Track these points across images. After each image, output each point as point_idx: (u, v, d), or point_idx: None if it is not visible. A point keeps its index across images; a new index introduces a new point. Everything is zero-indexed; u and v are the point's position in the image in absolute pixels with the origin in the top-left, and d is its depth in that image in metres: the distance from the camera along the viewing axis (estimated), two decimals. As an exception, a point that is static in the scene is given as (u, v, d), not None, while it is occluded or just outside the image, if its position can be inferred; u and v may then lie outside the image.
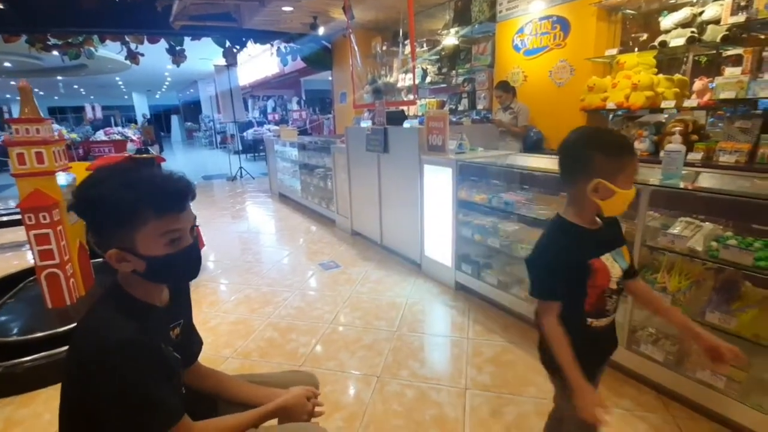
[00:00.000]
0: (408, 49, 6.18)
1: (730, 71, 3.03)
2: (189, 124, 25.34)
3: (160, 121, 27.09)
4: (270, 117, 15.64)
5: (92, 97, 23.91)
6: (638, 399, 1.93)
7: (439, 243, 3.19)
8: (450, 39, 5.46)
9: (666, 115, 3.65)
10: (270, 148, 7.32)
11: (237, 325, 2.80)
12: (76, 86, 19.88)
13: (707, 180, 1.95)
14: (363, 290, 3.24)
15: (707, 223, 1.84)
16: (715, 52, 3.39)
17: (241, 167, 9.48)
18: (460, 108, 5.44)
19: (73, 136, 10.91)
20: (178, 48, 7.98)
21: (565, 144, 1.19)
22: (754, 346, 1.65)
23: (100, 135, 10.74)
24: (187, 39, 7.70)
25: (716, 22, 3.07)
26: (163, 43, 7.69)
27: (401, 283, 3.32)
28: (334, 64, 8.43)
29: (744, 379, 1.68)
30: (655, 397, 1.93)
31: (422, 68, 6.08)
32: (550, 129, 4.32)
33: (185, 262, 0.97)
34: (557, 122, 4.25)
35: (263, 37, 7.83)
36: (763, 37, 3.13)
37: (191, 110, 25.41)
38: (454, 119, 5.75)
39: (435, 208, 3.17)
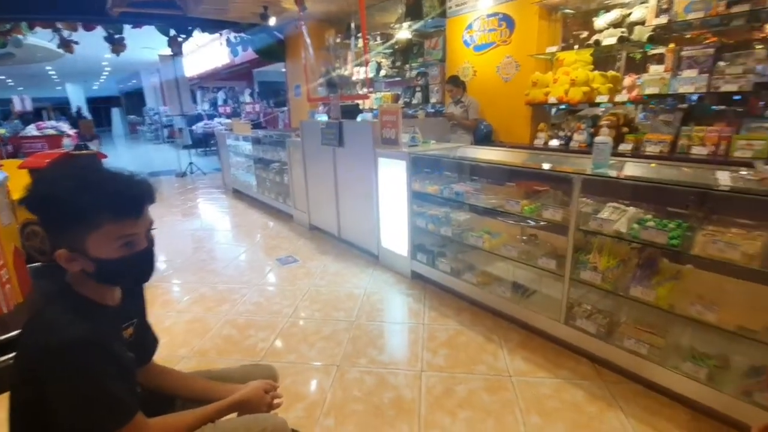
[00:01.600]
0: (361, 42, 6.21)
1: (654, 69, 3.33)
2: (132, 117, 23.79)
3: (99, 114, 25.21)
4: (221, 110, 15.04)
5: (21, 88, 21.81)
6: (575, 369, 2.12)
7: (395, 234, 3.28)
8: (403, 33, 5.53)
9: (603, 109, 3.94)
10: (222, 142, 7.09)
11: (193, 324, 2.74)
12: (2, 77, 18.06)
13: (631, 169, 2.16)
14: (322, 283, 3.27)
15: (631, 207, 2.05)
16: (642, 50, 3.70)
17: (191, 163, 9.10)
18: (414, 101, 5.55)
19: (1, 131, 9.93)
20: (116, 36, 7.48)
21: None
22: (670, 315, 1.88)
23: (32, 130, 9.84)
24: (127, 26, 7.23)
25: (642, 23, 3.35)
26: (100, 31, 7.18)
27: (359, 274, 3.39)
28: (287, 56, 8.26)
29: (663, 345, 1.90)
30: (590, 366, 2.13)
31: (376, 62, 6.11)
32: (499, 122, 4.52)
33: (138, 266, 0.97)
34: (505, 115, 4.46)
35: (210, 26, 7.51)
36: (688, 36, 3.45)
37: (134, 102, 23.83)
38: (410, 112, 5.87)
39: (390, 200, 3.25)
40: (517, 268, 2.63)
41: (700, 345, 1.89)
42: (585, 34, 4.04)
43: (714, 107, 3.37)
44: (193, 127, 12.71)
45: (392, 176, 3.16)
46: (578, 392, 1.96)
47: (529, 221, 2.59)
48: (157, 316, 2.84)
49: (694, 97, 3.38)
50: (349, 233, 3.94)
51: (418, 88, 5.49)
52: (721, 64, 2.99)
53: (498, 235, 2.66)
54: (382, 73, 6.06)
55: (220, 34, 8.12)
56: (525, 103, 4.14)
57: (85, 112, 19.52)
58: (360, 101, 5.25)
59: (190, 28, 7.49)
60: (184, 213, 5.88)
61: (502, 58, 4.40)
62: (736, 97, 3.15)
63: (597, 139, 2.09)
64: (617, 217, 1.98)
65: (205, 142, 12.70)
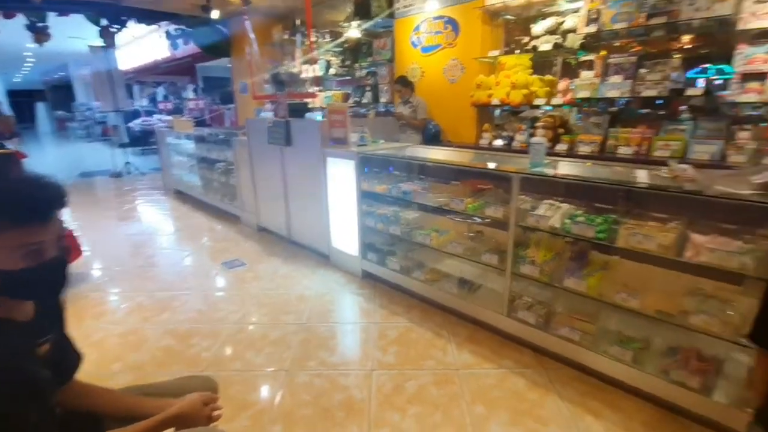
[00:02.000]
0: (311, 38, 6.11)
1: (585, 74, 3.57)
2: (60, 112, 21.74)
3: (21, 108, 22.78)
4: (161, 106, 14.16)
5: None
6: (518, 358, 2.23)
7: (345, 234, 3.26)
8: (352, 32, 5.51)
9: (542, 111, 4.16)
10: (162, 140, 6.68)
11: (127, 337, 2.56)
12: None
13: (565, 168, 2.30)
14: (270, 286, 3.18)
15: (565, 204, 2.18)
16: (575, 57, 3.95)
17: (127, 162, 8.50)
18: (365, 101, 5.55)
19: None
20: (39, 24, 6.79)
21: None
22: (600, 303, 2.02)
23: (-65, 125, 8.70)
24: (52, 14, 6.59)
25: (574, 31, 3.57)
26: (22, 18, 6.48)
27: (310, 275, 3.33)
28: (232, 52, 7.94)
29: (594, 332, 2.04)
30: (531, 355, 2.25)
31: (326, 60, 6.04)
32: (447, 122, 4.64)
33: (46, 277, 0.88)
34: (453, 116, 4.58)
35: (147, 16, 7.04)
36: (617, 44, 3.72)
37: (61, 96, 21.76)
38: (363, 111, 5.87)
39: (340, 199, 3.23)
40: (464, 264, 2.71)
41: (626, 329, 2.06)
42: (526, 39, 4.25)
43: (640, 111, 3.69)
44: (130, 124, 11.87)
45: (341, 176, 3.14)
46: (520, 381, 2.06)
47: (475, 218, 2.68)
48: (86, 329, 2.63)
49: (623, 101, 3.66)
50: (299, 234, 3.87)
51: (368, 88, 5.51)
52: (643, 71, 3.27)
53: (446, 232, 2.72)
54: (332, 71, 6.01)
55: (159, 26, 7.64)
56: (470, 105, 4.28)
57: (5, 107, 17.58)
58: (309, 100, 5.16)
59: (123, 18, 6.97)
60: (121, 216, 5.47)
61: (448, 60, 4.51)
62: (659, 102, 3.45)
63: (533, 139, 2.21)
64: (552, 213, 2.10)
65: (143, 141, 11.89)
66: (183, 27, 7.51)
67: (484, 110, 4.41)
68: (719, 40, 3.14)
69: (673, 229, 1.78)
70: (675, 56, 3.26)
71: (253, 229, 4.51)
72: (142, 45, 11.14)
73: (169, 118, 9.90)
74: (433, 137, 4.57)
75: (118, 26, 7.09)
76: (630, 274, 2.03)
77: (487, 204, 2.35)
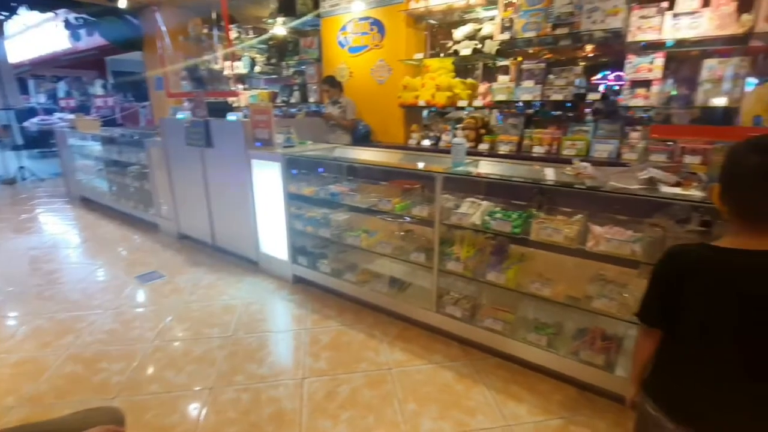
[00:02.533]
0: (233, 34, 5.81)
1: (502, 78, 3.80)
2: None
3: None
4: (63, 103, 12.64)
5: None
6: (446, 352, 2.30)
7: (274, 238, 3.14)
8: (278, 29, 5.33)
9: (466, 112, 4.34)
10: (64, 142, 5.95)
11: (23, 366, 2.24)
12: None
13: (484, 167, 2.42)
14: (192, 298, 2.96)
15: (485, 201, 2.29)
16: (494, 61, 4.18)
17: (22, 167, 7.46)
18: (293, 100, 5.41)
19: None
20: None
21: None
22: (517, 294, 2.15)
23: None
24: None
25: (491, 37, 3.78)
26: None
27: (237, 284, 3.16)
28: (145, 45, 7.30)
29: (513, 321, 2.17)
30: (459, 348, 2.33)
31: (250, 57, 5.79)
32: (376, 122, 4.67)
33: None
34: (381, 116, 4.63)
35: (41, 3, 6.24)
36: (531, 51, 3.99)
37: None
38: (294, 111, 5.70)
39: (267, 203, 3.10)
40: (395, 263, 2.74)
41: (542, 316, 2.21)
42: (449, 43, 4.42)
43: (553, 113, 4.00)
44: (25, 124, 10.43)
45: (268, 178, 3.02)
46: (449, 374, 2.12)
47: (405, 217, 2.72)
48: (-36, 363, 2.25)
49: (538, 104, 3.94)
50: (225, 240, 3.66)
51: (295, 87, 5.37)
52: (551, 76, 3.55)
53: (375, 233, 2.73)
54: (257, 69, 5.76)
55: (56, 14, 6.79)
56: (398, 105, 4.35)
57: None
58: (231, 98, 4.90)
59: (13, 4, 6.10)
60: (17, 228, 4.78)
61: (376, 61, 4.55)
62: (568, 105, 3.76)
63: (454, 140, 2.29)
64: (474, 211, 2.19)
65: (41, 142, 10.51)
66: (85, 16, 6.75)
67: (411, 111, 4.51)
68: (614, 50, 3.51)
69: (577, 221, 1.95)
70: (579, 64, 3.60)
71: (174, 237, 4.19)
72: (38, 35, 9.85)
73: (72, 116, 8.86)
74: (363, 138, 4.58)
75: (7, 13, 6.19)
76: (544, 264, 2.19)
77: (413, 204, 2.40)
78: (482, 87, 3.99)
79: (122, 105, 10.59)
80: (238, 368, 2.20)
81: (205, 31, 5.90)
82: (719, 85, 2.81)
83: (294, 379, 2.10)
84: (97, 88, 12.91)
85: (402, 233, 2.78)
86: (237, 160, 3.17)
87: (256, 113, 2.97)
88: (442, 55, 4.30)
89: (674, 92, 3.04)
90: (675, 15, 2.85)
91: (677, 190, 1.70)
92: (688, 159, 2.82)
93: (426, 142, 4.22)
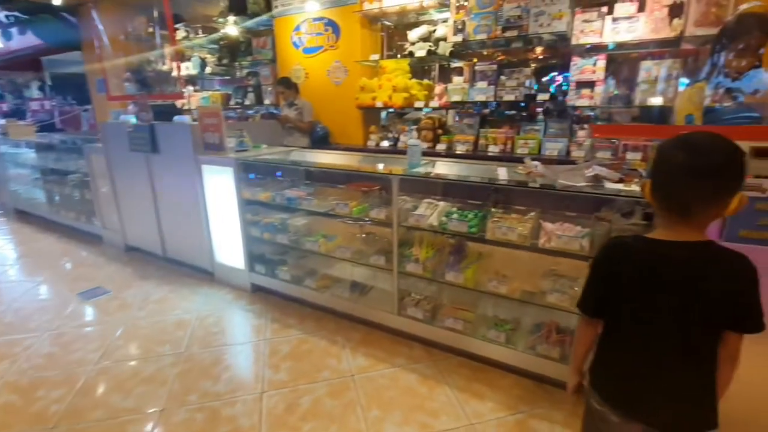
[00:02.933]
0: (180, 34, 5.55)
1: (456, 79, 3.86)
2: None
3: None
4: (-7, 107, 11.59)
5: None
6: (409, 354, 2.29)
7: (230, 246, 3.01)
8: (230, 28, 5.14)
9: (424, 113, 4.37)
10: (-9, 150, 5.44)
11: (-60, 403, 2.01)
12: None
13: (440, 168, 2.43)
14: (141, 315, 2.79)
15: (442, 202, 2.30)
16: (448, 63, 4.24)
17: (-56, 178, 6.74)
18: (247, 102, 5.24)
19: None
20: None
21: None
22: (476, 293, 2.18)
23: None
24: None
25: (445, 39, 3.82)
26: None
27: (190, 296, 3.01)
28: (84, 45, 6.83)
29: (473, 319, 2.19)
30: (422, 349, 2.33)
31: (200, 57, 5.55)
32: (334, 124, 4.61)
33: None
34: (339, 118, 4.57)
35: (-41, -3, 5.68)
36: (486, 53, 4.08)
37: None
38: (251, 113, 5.50)
39: (221, 210, 2.97)
40: (355, 267, 2.71)
41: (500, 313, 2.26)
42: (407, 44, 4.43)
43: (507, 112, 4.11)
44: (-53, 130, 9.46)
45: (220, 184, 2.89)
46: (412, 376, 2.12)
47: (367, 220, 2.69)
48: None
49: (495, 104, 4.03)
50: (177, 251, 3.47)
51: (250, 89, 5.20)
52: (503, 78, 3.64)
53: (335, 237, 2.68)
54: (208, 70, 5.53)
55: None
56: (356, 107, 4.31)
57: None
58: (180, 101, 4.68)
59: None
60: (-68, 248, 4.31)
61: (332, 62, 4.49)
62: (522, 104, 3.87)
63: (409, 142, 2.29)
64: (431, 212, 2.20)
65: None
66: (17, 14, 6.22)
67: (369, 112, 4.48)
68: (562, 52, 3.66)
69: (530, 219, 2.00)
70: (531, 65, 3.72)
71: (120, 249, 3.93)
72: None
73: (3, 122, 8.13)
74: (321, 140, 4.50)
75: None
76: (501, 261, 2.23)
77: (371, 206, 2.37)
78: (438, 88, 4.04)
79: (62, 108, 9.85)
80: (191, 387, 2.08)
81: (150, 30, 5.62)
82: (655, 86, 2.99)
83: (252, 393, 2.02)
84: (33, 91, 11.95)
85: (363, 235, 2.75)
86: (186, 166, 3.02)
87: (205, 116, 2.84)
88: (399, 56, 4.31)
89: (616, 92, 3.21)
90: (614, 19, 3.00)
91: (620, 186, 1.78)
92: (630, 155, 2.98)
93: (385, 143, 4.21)
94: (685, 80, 2.92)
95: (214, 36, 5.32)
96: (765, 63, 1.94)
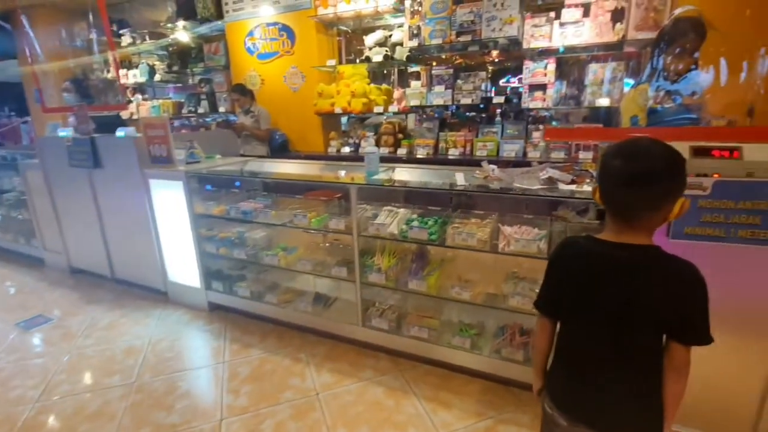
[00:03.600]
0: (126, 40, 5.27)
1: (414, 84, 3.86)
2: None
3: None
4: None
5: None
6: (376, 366, 2.24)
7: (184, 264, 2.85)
8: (179, 34, 4.92)
9: (385, 117, 4.34)
10: None
11: None
12: None
13: (399, 174, 2.40)
14: (88, 343, 2.58)
15: (402, 209, 2.27)
16: (405, 67, 4.24)
17: None
18: (201, 110, 5.03)
19: None
20: None
21: None
22: (439, 300, 2.16)
23: None
24: None
25: (401, 44, 3.82)
26: None
27: (143, 320, 2.82)
28: (20, 53, 6.34)
29: (438, 326, 2.17)
30: (389, 360, 2.29)
31: (148, 64, 5.28)
32: (294, 131, 4.51)
33: None
34: (299, 125, 4.47)
35: None
36: (445, 57, 4.09)
37: None
38: (209, 121, 5.27)
39: (173, 226, 2.81)
40: (318, 278, 2.63)
41: (466, 317, 2.25)
42: (363, 49, 4.39)
43: (468, 114, 4.15)
44: None
45: (170, 199, 2.73)
46: (379, 389, 2.06)
47: (327, 231, 2.62)
48: None
49: (455, 107, 4.05)
50: (127, 271, 3.26)
51: (203, 96, 4.99)
52: (459, 81, 3.68)
53: (295, 249, 2.60)
54: (157, 77, 5.28)
55: None
56: (314, 113, 4.23)
57: None
58: (127, 111, 4.42)
59: None
60: None
61: (288, 67, 4.38)
62: (482, 107, 3.91)
63: (366, 149, 2.25)
64: (391, 220, 2.16)
65: None
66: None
67: (329, 118, 4.41)
68: (515, 56, 3.74)
69: (489, 223, 2.00)
70: (488, 68, 3.78)
71: (64, 272, 3.65)
72: None
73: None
74: (280, 148, 4.39)
75: None
76: (463, 267, 2.22)
77: (331, 216, 2.31)
78: (397, 92, 4.03)
79: (-2, 121, 9.10)
80: (143, 419, 1.94)
81: (93, 36, 5.30)
82: (602, 87, 3.11)
83: (210, 422, 1.90)
84: (-36, 102, 10.97)
85: (327, 245, 2.67)
86: (132, 181, 2.83)
87: (149, 128, 2.67)
88: (358, 60, 4.27)
89: (566, 93, 3.31)
90: (561, 24, 3.10)
91: (573, 188, 1.82)
92: (583, 155, 3.09)
93: (346, 149, 4.15)
94: (630, 81, 3.05)
95: (163, 42, 5.08)
96: (703, 65, 2.04)
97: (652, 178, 0.87)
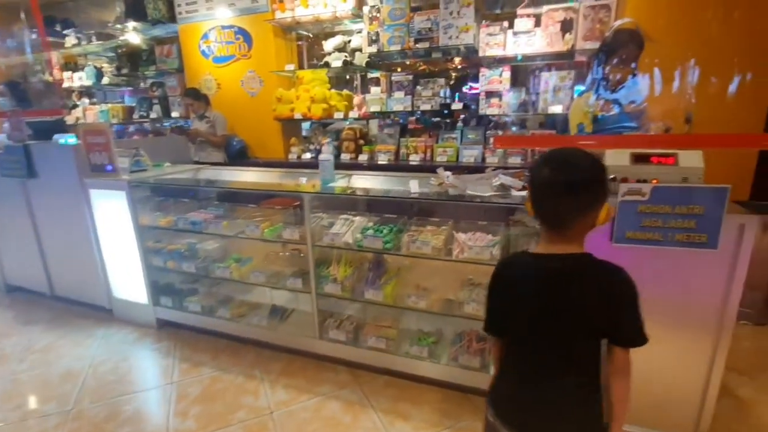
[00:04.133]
0: (70, 40, 4.98)
1: (374, 90, 3.84)
2: None
3: None
4: None
5: None
6: (335, 380, 2.18)
7: (130, 279, 2.68)
8: (129, 35, 4.69)
9: (347, 123, 4.29)
10: None
11: None
12: None
13: (357, 181, 2.37)
14: (22, 368, 2.37)
15: (358, 217, 2.23)
16: (365, 73, 4.22)
17: None
18: (153, 115, 4.80)
19: None
20: None
21: None
22: (396, 309, 2.13)
23: None
24: None
25: (361, 50, 3.79)
26: None
27: (84, 341, 2.62)
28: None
29: (396, 336, 2.14)
30: (347, 373, 2.23)
31: (95, 66, 5.00)
32: (253, 137, 4.38)
33: None
34: (257, 130, 4.35)
35: None
36: (409, 63, 4.09)
37: None
38: (167, 125, 5.02)
39: (117, 238, 2.64)
40: (276, 290, 2.54)
41: (424, 326, 2.23)
42: (323, 54, 4.33)
43: (434, 120, 4.16)
44: None
45: (113, 210, 2.56)
46: (336, 404, 2.00)
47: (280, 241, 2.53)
48: None
49: (419, 113, 4.05)
50: (67, 288, 3.03)
51: (155, 101, 4.77)
52: (419, 88, 3.69)
53: (249, 260, 2.50)
54: (105, 80, 5.00)
55: None
56: (273, 119, 4.13)
57: None
58: (72, 116, 4.15)
59: None
60: None
61: (245, 72, 4.26)
62: (446, 112, 3.92)
63: (321, 157, 2.19)
64: (346, 229, 2.12)
65: None
66: None
67: (289, 124, 4.32)
68: (474, 63, 3.80)
69: (444, 231, 2.00)
70: (451, 75, 3.81)
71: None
72: None
73: None
74: (238, 154, 4.25)
75: None
76: (420, 274, 2.21)
77: (285, 226, 2.24)
78: (358, 98, 4.00)
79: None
80: (78, 451, 1.79)
81: (35, 36, 4.96)
82: (555, 95, 3.20)
83: (154, 449, 1.78)
84: None
85: (287, 254, 2.58)
86: (71, 192, 2.64)
87: (89, 135, 2.50)
88: (320, 65, 4.20)
89: (525, 100, 3.38)
90: (515, 33, 3.17)
91: (524, 193, 1.84)
92: (538, 161, 3.16)
93: (307, 156, 4.07)
94: (581, 88, 3.16)
95: (111, 43, 4.83)
96: (641, 74, 2.13)
97: (579, 185, 0.89)
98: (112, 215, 2.58)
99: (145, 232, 2.57)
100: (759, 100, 2.52)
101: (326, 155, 2.18)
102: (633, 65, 1.95)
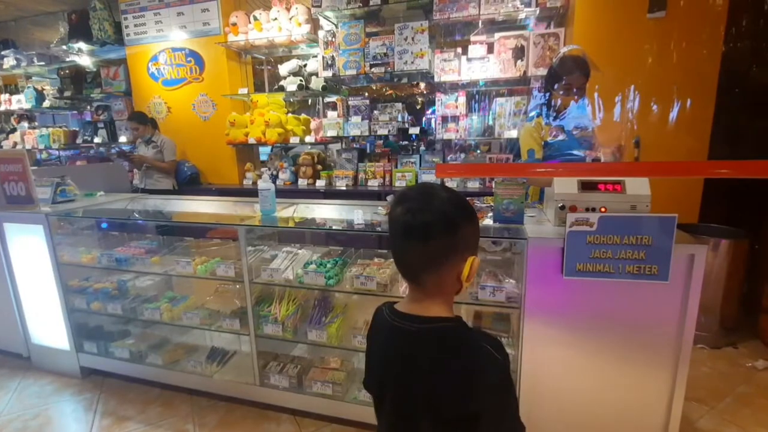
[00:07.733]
0: (9, 61, 4.68)
1: (331, 114, 3.75)
2: None
3: None
4: None
5: None
6: (277, 430, 1.96)
7: (50, 323, 2.39)
8: (74, 57, 4.45)
9: (308, 148, 4.15)
10: None
11: None
12: None
13: (301, 212, 2.22)
14: None
15: (303, 249, 2.07)
16: (320, 97, 4.13)
17: None
18: (98, 140, 4.52)
19: None
20: None
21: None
22: (343, 351, 1.96)
23: None
24: None
25: (317, 74, 3.72)
26: None
27: (-8, 395, 2.30)
28: None
29: (344, 380, 1.96)
30: (291, 423, 2.01)
31: (35, 88, 4.70)
32: (205, 162, 4.18)
33: None
34: (210, 155, 4.16)
35: None
36: (370, 87, 4.02)
37: None
38: (120, 149, 4.69)
39: (35, 278, 2.36)
40: (213, 331, 2.31)
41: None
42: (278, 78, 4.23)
43: (401, 143, 4.08)
44: None
45: (30, 246, 2.30)
46: (275, 462, 1.79)
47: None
48: None
49: (384, 136, 3.94)
50: (-21, 334, 2.68)
51: (101, 125, 4.50)
52: (376, 112, 3.63)
53: (185, 299, 2.27)
54: (47, 103, 4.70)
55: None
56: (226, 143, 3.96)
57: None
58: (6, 141, 3.83)
59: None
60: None
61: (197, 95, 4.10)
62: (414, 137, 3.82)
63: (260, 185, 2.03)
64: (288, 263, 1.95)
65: None
66: None
67: (244, 149, 4.16)
68: (430, 88, 3.79)
69: (390, 264, 1.87)
70: (417, 99, 3.78)
71: None
72: None
73: None
74: (189, 180, 4.03)
75: None
76: (369, 312, 2.03)
77: (221, 261, 2.04)
78: (315, 122, 3.89)
79: None
80: None
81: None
82: (510, 120, 3.20)
83: None
84: None
85: (227, 291, 2.36)
86: (-18, 226, 2.36)
87: (3, 163, 2.25)
88: (270, 90, 4.09)
89: (487, 124, 3.37)
90: (469, 59, 3.18)
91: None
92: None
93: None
94: (533, 114, 3.18)
95: (53, 65, 4.56)
96: (585, 101, 2.12)
97: (421, 230, 0.73)
98: (30, 252, 2.31)
99: (67, 270, 2.31)
100: (700, 124, 2.58)
101: (266, 184, 2.02)
102: (578, 92, 1.93)
